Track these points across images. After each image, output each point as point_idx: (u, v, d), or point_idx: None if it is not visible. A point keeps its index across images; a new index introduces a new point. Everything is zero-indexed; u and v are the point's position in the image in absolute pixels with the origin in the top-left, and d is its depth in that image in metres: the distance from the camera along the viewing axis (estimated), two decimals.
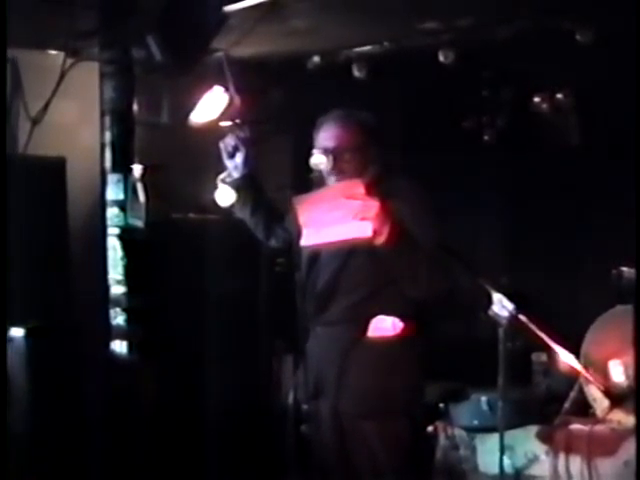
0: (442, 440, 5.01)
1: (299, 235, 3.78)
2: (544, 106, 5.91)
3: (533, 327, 4.06)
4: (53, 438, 4.80)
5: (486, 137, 6.13)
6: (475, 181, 6.25)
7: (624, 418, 4.45)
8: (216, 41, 4.88)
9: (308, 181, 3.87)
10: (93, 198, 5.34)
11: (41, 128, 5.42)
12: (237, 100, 5.34)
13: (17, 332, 4.77)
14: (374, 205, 3.49)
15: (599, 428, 4.50)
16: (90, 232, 5.29)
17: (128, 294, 4.93)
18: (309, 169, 3.86)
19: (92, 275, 5.11)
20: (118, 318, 4.95)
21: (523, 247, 6.14)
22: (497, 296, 4.00)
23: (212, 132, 4.89)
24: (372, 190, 3.55)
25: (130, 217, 4.94)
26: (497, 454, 4.23)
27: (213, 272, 5.45)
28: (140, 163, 5.02)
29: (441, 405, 5.02)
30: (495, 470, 4.34)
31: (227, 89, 5.45)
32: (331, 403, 3.87)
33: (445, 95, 6.02)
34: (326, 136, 3.90)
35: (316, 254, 3.91)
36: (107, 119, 4.97)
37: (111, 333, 4.98)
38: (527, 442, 4.66)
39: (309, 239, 3.75)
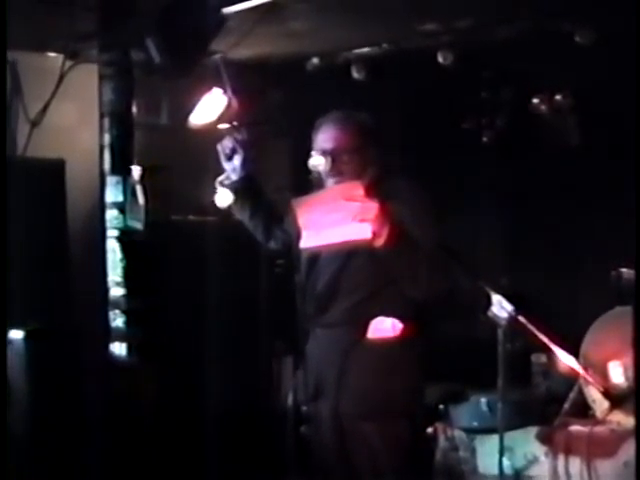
0: (442, 441, 5.01)
1: (299, 237, 3.78)
2: (543, 107, 5.90)
3: (532, 328, 4.06)
4: (53, 440, 4.80)
5: (485, 138, 6.13)
6: (474, 182, 6.25)
7: (624, 419, 4.45)
8: (215, 43, 4.88)
9: (307, 183, 3.87)
10: (92, 200, 5.34)
11: (40, 130, 5.42)
12: (234, 102, 5.34)
13: (16, 334, 4.77)
14: (373, 207, 3.49)
15: (599, 429, 4.50)
16: (89, 234, 5.29)
17: (127, 296, 4.93)
18: (308, 171, 3.86)
19: (91, 277, 5.11)
20: (117, 320, 4.95)
21: (522, 248, 6.14)
22: (496, 297, 3.99)
23: (211, 134, 4.89)
24: (371, 191, 3.54)
25: (129, 219, 4.94)
26: (497, 455, 4.23)
27: (213, 274, 5.45)
28: (139, 165, 5.02)
29: (441, 406, 5.02)
30: (495, 471, 4.34)
31: (225, 91, 5.45)
32: (331, 404, 3.87)
33: (444, 96, 6.02)
34: (325, 138, 3.90)
35: (315, 256, 3.91)
36: (106, 121, 4.98)
37: (110, 335, 4.98)
38: (527, 443, 4.66)
39: (309, 241, 3.75)
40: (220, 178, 4.31)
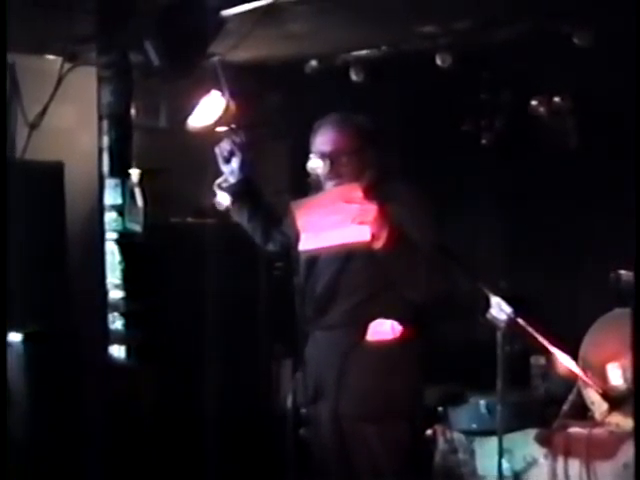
0: (441, 444, 5.01)
1: (297, 239, 3.78)
2: (542, 109, 5.90)
3: (531, 330, 4.06)
4: (53, 442, 4.80)
5: (484, 140, 6.12)
6: (474, 183, 6.25)
7: (623, 421, 4.44)
8: (214, 45, 4.89)
9: (306, 185, 3.87)
10: (91, 203, 5.34)
11: (39, 133, 5.43)
12: (232, 105, 5.34)
13: (15, 337, 4.77)
14: (372, 209, 3.49)
15: (598, 431, 4.50)
16: (88, 237, 5.29)
17: (126, 298, 4.93)
18: (307, 173, 3.86)
19: (90, 280, 5.11)
20: (116, 322, 4.95)
21: (521, 250, 6.13)
22: (495, 299, 3.99)
23: (210, 136, 4.88)
24: (370, 194, 3.55)
25: (128, 221, 4.94)
26: (496, 457, 4.23)
27: (212, 276, 5.45)
28: (138, 167, 5.02)
29: (440, 408, 5.02)
30: (494, 473, 4.34)
31: (223, 94, 5.45)
32: (330, 406, 3.87)
33: (443, 98, 6.02)
34: (323, 140, 3.90)
35: (314, 258, 3.91)
36: (105, 123, 4.98)
37: (109, 337, 4.98)
38: (526, 445, 4.65)
39: (307, 244, 3.75)
40: (218, 181, 4.32)
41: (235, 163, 4.27)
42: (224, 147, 4.29)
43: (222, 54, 5.33)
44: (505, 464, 4.45)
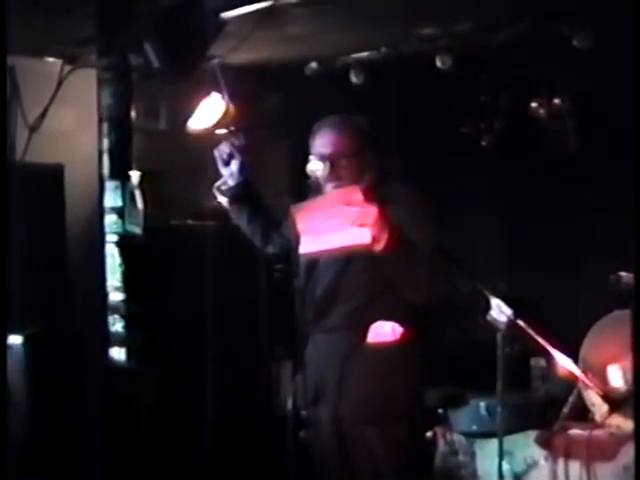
0: (441, 445, 5.01)
1: (297, 242, 3.78)
2: (542, 110, 5.91)
3: (532, 332, 4.06)
4: (52, 445, 4.80)
5: (484, 142, 6.13)
6: (473, 185, 6.25)
7: (623, 423, 4.44)
8: (214, 47, 4.89)
9: (306, 187, 3.87)
10: (91, 205, 5.34)
11: (39, 135, 5.43)
12: (231, 108, 5.34)
13: (16, 339, 4.77)
14: (372, 211, 3.49)
15: (598, 433, 4.50)
16: (88, 239, 5.30)
17: (126, 301, 4.93)
18: (307, 175, 3.86)
19: (90, 282, 5.11)
20: (117, 325, 4.95)
21: (521, 252, 6.14)
22: (495, 301, 3.99)
23: (210, 139, 4.89)
24: (370, 196, 3.54)
25: (128, 224, 4.94)
26: (496, 459, 4.23)
27: (212, 278, 5.45)
28: (138, 170, 5.02)
29: (440, 410, 5.02)
30: (494, 475, 4.33)
31: (223, 96, 5.45)
32: (331, 408, 3.87)
33: (443, 100, 6.02)
34: (322, 142, 3.90)
35: (314, 261, 3.91)
36: (105, 126, 4.98)
37: (110, 340, 4.98)
38: (526, 447, 4.65)
39: (308, 246, 3.75)
40: (217, 183, 4.32)
41: (234, 166, 4.27)
42: (223, 150, 4.29)
43: (222, 56, 5.33)
44: (505, 466, 4.45)
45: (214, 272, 5.45)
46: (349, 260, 3.80)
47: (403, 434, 3.86)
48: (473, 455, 4.90)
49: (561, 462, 4.52)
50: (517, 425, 4.64)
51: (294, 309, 3.92)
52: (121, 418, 4.92)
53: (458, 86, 5.88)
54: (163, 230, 5.41)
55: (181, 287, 5.43)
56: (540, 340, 4.09)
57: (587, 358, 4.71)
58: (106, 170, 4.98)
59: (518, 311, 3.97)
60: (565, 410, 4.75)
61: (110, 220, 4.96)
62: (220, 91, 5.37)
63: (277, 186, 5.55)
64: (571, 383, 4.67)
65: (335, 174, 3.84)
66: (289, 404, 4.12)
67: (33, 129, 5.41)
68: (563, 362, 4.26)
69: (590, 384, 4.49)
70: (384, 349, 3.84)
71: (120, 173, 4.96)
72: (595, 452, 4.43)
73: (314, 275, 3.92)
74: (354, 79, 6.12)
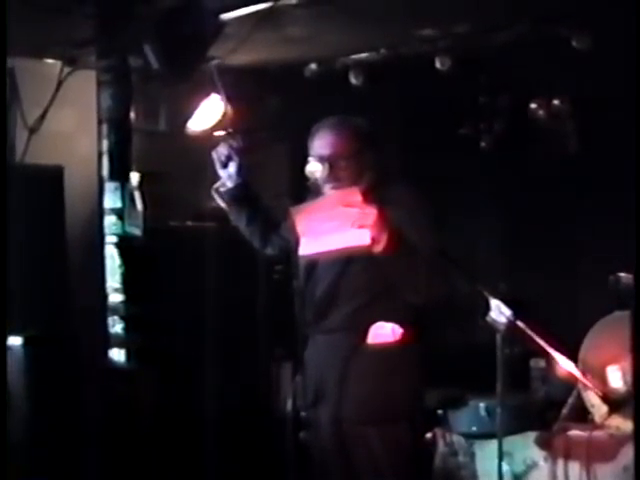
0: (441, 446, 5.01)
1: (297, 244, 3.78)
2: (541, 112, 5.91)
3: (531, 333, 4.06)
4: (52, 446, 4.80)
5: (484, 143, 6.14)
6: (473, 186, 6.25)
7: (622, 424, 4.44)
8: (213, 49, 4.89)
9: (305, 189, 3.87)
10: (91, 206, 5.35)
11: (39, 137, 5.43)
12: (229, 110, 5.34)
13: (16, 340, 4.77)
14: (372, 212, 3.49)
15: (598, 434, 4.50)
16: (88, 240, 5.30)
17: (126, 302, 4.93)
18: (306, 177, 3.86)
19: (90, 283, 5.11)
20: (116, 326, 4.95)
21: (521, 252, 6.14)
22: (495, 302, 4.00)
23: (210, 140, 4.89)
24: (369, 197, 3.54)
25: (128, 225, 4.94)
26: (496, 460, 4.24)
27: (211, 280, 5.45)
28: (138, 171, 5.03)
29: (440, 411, 5.02)
30: (494, 476, 4.34)
31: (221, 98, 5.45)
32: (331, 409, 3.87)
33: (442, 101, 6.03)
34: (321, 144, 3.90)
35: (314, 262, 3.90)
36: (104, 127, 4.98)
37: (109, 341, 4.98)
38: (526, 448, 4.65)
39: (307, 248, 3.75)
40: (216, 185, 4.32)
41: (232, 167, 4.27)
42: (221, 152, 4.28)
43: (221, 57, 5.33)
44: (505, 467, 4.45)
45: (214, 273, 5.45)
46: (349, 261, 3.80)
47: (403, 435, 3.85)
48: (473, 456, 4.90)
49: (561, 463, 4.52)
50: (517, 426, 4.64)
51: (294, 310, 3.92)
52: (121, 419, 4.92)
53: (457, 87, 5.88)
54: (163, 231, 5.42)
55: (181, 288, 5.43)
56: (540, 341, 4.09)
57: (587, 359, 4.71)
58: (106, 171, 4.97)
59: (518, 312, 3.98)
60: (565, 411, 4.75)
61: (110, 221, 4.96)
62: (218, 93, 5.37)
63: (276, 187, 5.56)
64: (571, 384, 4.67)
65: (334, 175, 3.84)
66: (289, 405, 4.12)
67: (33, 130, 5.41)
68: (563, 363, 4.26)
69: (590, 385, 4.49)
70: (384, 350, 3.84)
71: (120, 174, 4.96)
72: (595, 453, 4.43)
73: (314, 276, 3.92)
74: (353, 80, 6.12)
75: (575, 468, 4.47)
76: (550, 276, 5.92)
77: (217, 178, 4.31)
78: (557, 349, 4.19)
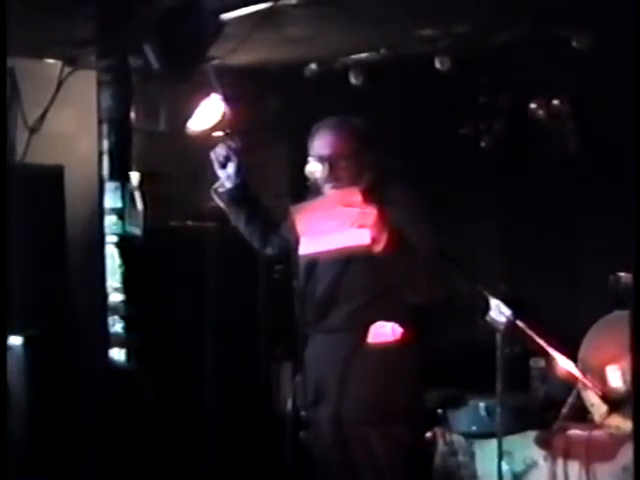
0: (441, 446, 5.01)
1: (297, 243, 3.79)
2: (541, 112, 5.91)
3: (531, 333, 4.07)
4: (52, 446, 4.80)
5: (483, 143, 6.14)
6: (473, 186, 6.25)
7: (622, 423, 4.45)
8: (213, 49, 4.89)
9: (305, 189, 3.87)
10: (91, 206, 5.35)
11: (39, 137, 5.44)
12: (227, 110, 5.34)
13: (16, 340, 4.78)
14: (372, 212, 3.49)
15: (597, 433, 4.50)
16: (88, 240, 5.30)
17: (126, 302, 4.93)
18: (306, 177, 3.87)
19: (90, 283, 5.12)
20: (116, 326, 4.95)
21: (520, 252, 6.14)
22: (495, 302, 4.00)
23: (210, 140, 4.89)
24: (369, 197, 3.55)
25: (128, 225, 4.94)
26: (495, 460, 4.24)
27: (211, 279, 5.46)
28: (138, 171, 5.03)
29: (439, 411, 5.02)
30: (494, 476, 4.34)
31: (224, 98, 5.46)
32: (331, 409, 3.88)
33: (442, 101, 6.03)
34: (321, 144, 3.91)
35: (314, 262, 3.91)
36: (105, 127, 4.98)
37: (109, 341, 4.98)
38: (525, 448, 4.65)
39: (307, 248, 3.76)
40: (215, 186, 4.32)
41: (231, 168, 4.27)
42: (219, 152, 4.28)
43: (221, 58, 5.34)
44: (505, 466, 4.45)
45: (214, 273, 5.45)
46: (349, 261, 3.81)
47: (403, 434, 3.86)
48: (472, 455, 4.90)
49: (560, 462, 4.52)
50: (516, 425, 4.65)
51: (294, 310, 3.93)
52: (121, 419, 4.92)
53: (457, 87, 5.88)
54: (163, 231, 5.42)
55: (181, 288, 5.43)
56: (539, 341, 4.10)
57: (586, 359, 4.71)
58: (106, 171, 4.97)
59: (517, 312, 3.99)
60: (564, 410, 4.75)
61: (110, 221, 4.96)
62: (217, 93, 5.37)
63: (276, 187, 5.56)
64: (570, 384, 4.67)
65: (334, 175, 3.85)
66: (289, 404, 4.13)
67: (33, 130, 5.42)
68: (562, 363, 4.27)
69: (589, 384, 4.49)
70: (384, 349, 3.85)
71: (120, 174, 4.96)
72: (594, 452, 4.43)
73: (314, 276, 3.93)
74: (353, 80, 6.12)
75: (575, 467, 4.47)
76: (550, 276, 5.92)
77: (217, 178, 4.32)
78: (557, 349, 4.20)
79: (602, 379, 4.61)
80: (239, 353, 5.58)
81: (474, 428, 4.94)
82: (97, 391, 5.00)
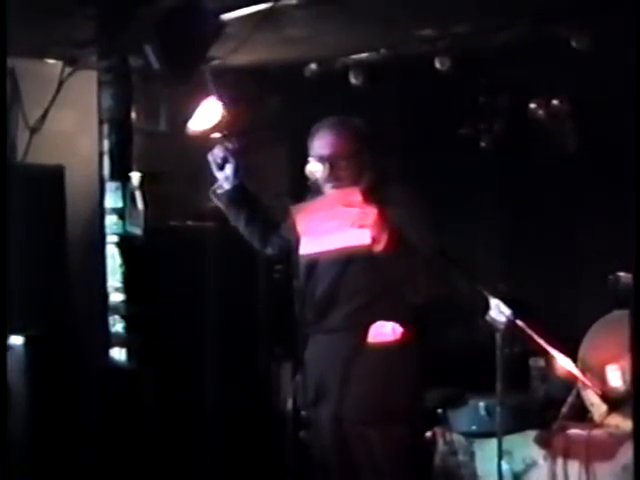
0: (441, 446, 5.01)
1: (297, 243, 3.79)
2: (541, 112, 5.91)
3: (531, 332, 4.07)
4: (52, 445, 4.80)
5: (483, 143, 6.14)
6: (473, 187, 6.25)
7: (622, 422, 4.45)
8: (213, 49, 4.89)
9: (306, 189, 3.88)
10: (92, 206, 5.35)
11: (40, 137, 5.44)
12: (225, 111, 5.34)
13: (16, 340, 4.78)
14: (372, 212, 3.50)
15: (597, 433, 4.50)
16: (89, 240, 5.30)
17: (127, 301, 4.93)
18: (306, 177, 3.87)
19: (91, 283, 5.12)
20: (117, 325, 4.96)
21: (520, 252, 6.15)
22: (494, 301, 4.01)
23: (210, 140, 4.90)
24: (369, 197, 3.56)
25: (128, 225, 4.95)
26: (495, 459, 4.25)
27: (212, 279, 5.46)
28: (138, 171, 5.03)
29: (439, 411, 5.02)
30: (493, 475, 4.35)
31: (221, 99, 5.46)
32: (331, 409, 3.88)
33: (442, 101, 6.03)
34: (321, 144, 3.91)
35: (314, 262, 3.91)
36: (105, 127, 4.98)
37: (110, 340, 4.98)
38: (525, 447, 4.66)
39: (308, 247, 3.76)
40: (213, 187, 4.32)
41: (229, 169, 4.27)
42: (217, 154, 4.28)
43: (222, 58, 5.34)
44: (505, 466, 4.46)
45: (214, 273, 5.45)
46: (349, 261, 3.81)
47: (403, 434, 3.87)
48: (472, 455, 4.90)
49: (560, 462, 4.53)
50: (516, 425, 4.65)
51: (294, 310, 3.94)
52: (121, 419, 4.93)
53: (457, 87, 5.88)
54: (163, 231, 5.42)
55: (181, 288, 5.43)
56: (539, 340, 4.11)
57: (586, 358, 4.72)
58: (106, 171, 4.98)
59: (517, 311, 3.99)
60: (564, 410, 4.75)
61: (110, 221, 4.96)
62: (214, 95, 5.37)
63: (276, 187, 5.57)
64: (570, 383, 4.68)
65: (334, 175, 3.85)
66: (289, 404, 4.13)
67: (34, 130, 5.42)
68: (562, 362, 4.27)
69: (589, 384, 4.50)
70: (384, 349, 3.85)
71: (120, 174, 4.96)
72: (594, 452, 4.43)
73: (314, 276, 3.93)
74: (353, 80, 6.12)
75: (574, 467, 4.48)
76: (550, 276, 5.92)
77: (216, 179, 4.32)
78: (556, 348, 4.20)
79: (602, 379, 4.62)
80: (239, 353, 5.58)
81: (474, 428, 4.94)
82: (97, 391, 5.00)
